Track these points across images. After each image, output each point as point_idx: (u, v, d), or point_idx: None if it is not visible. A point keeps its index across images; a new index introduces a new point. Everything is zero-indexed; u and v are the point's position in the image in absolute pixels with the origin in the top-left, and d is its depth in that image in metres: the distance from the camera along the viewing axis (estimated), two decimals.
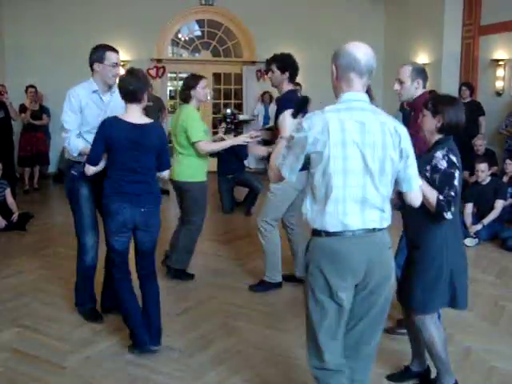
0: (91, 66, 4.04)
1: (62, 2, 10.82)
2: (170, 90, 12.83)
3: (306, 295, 2.55)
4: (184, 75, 12.69)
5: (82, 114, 3.97)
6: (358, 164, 2.37)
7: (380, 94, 10.75)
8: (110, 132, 3.52)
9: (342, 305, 2.45)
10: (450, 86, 10.06)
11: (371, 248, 2.45)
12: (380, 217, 2.46)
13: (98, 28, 10.85)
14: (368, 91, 2.73)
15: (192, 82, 5.03)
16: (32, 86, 9.77)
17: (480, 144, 8.22)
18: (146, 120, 3.57)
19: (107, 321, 4.25)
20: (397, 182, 2.55)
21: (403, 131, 2.47)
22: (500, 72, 9.56)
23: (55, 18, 10.82)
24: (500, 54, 9.54)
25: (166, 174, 3.78)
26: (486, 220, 6.57)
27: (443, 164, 2.96)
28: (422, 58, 10.86)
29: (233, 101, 12.32)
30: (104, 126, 3.55)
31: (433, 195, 2.93)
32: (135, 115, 3.54)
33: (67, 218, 7.77)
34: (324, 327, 2.50)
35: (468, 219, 6.66)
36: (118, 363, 3.63)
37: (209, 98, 12.32)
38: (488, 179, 6.76)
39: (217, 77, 12.45)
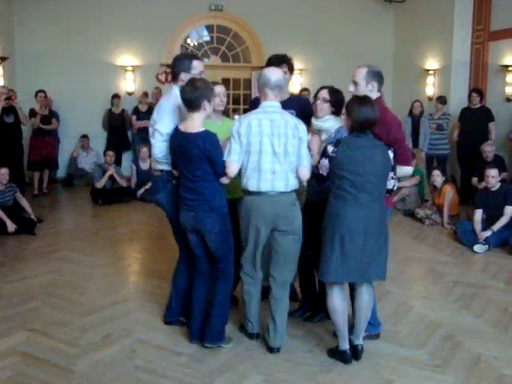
0: (176, 75, 4.04)
1: (71, 7, 10.92)
2: None
3: (241, 230, 3.81)
4: None
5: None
6: (269, 148, 3.61)
7: (389, 98, 10.75)
8: (170, 140, 3.82)
9: (257, 237, 3.73)
10: (459, 91, 10.05)
11: (278, 204, 3.66)
12: (285, 184, 3.66)
13: (108, 33, 10.95)
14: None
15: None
16: (42, 91, 9.81)
17: (489, 150, 8.18)
18: (197, 129, 3.63)
19: (117, 326, 4.27)
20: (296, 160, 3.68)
21: (301, 126, 3.67)
22: (510, 78, 9.50)
23: (65, 24, 10.90)
24: (510, 59, 9.49)
25: (222, 181, 3.72)
26: (496, 226, 6.54)
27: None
28: (432, 63, 10.84)
29: (242, 106, 12.32)
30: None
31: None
32: (188, 123, 3.67)
33: (76, 222, 7.91)
34: (250, 248, 3.81)
35: (477, 225, 6.64)
36: (126, 368, 3.64)
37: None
38: (498, 185, 6.73)
39: (226, 82, 12.41)
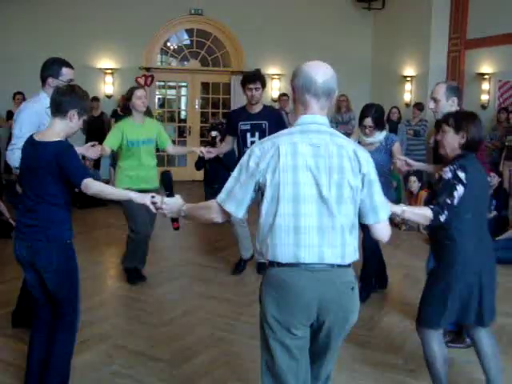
0: (44, 79, 3.99)
1: (49, 9, 10.84)
2: (159, 99, 12.88)
3: (262, 330, 2.33)
4: (173, 84, 12.74)
5: (39, 129, 3.77)
6: (312, 190, 2.20)
7: None
8: (22, 150, 3.21)
9: (291, 347, 2.27)
10: None
11: (327, 285, 2.23)
12: (341, 251, 2.23)
13: (87, 36, 10.88)
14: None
15: (128, 93, 5.17)
16: (19, 93, 9.74)
17: None
18: (52, 138, 3.01)
19: (92, 331, 4.24)
20: (362, 214, 2.34)
21: (364, 155, 2.29)
22: (485, 86, 9.69)
23: (42, 26, 10.82)
24: (485, 67, 9.68)
25: (84, 189, 3.07)
26: None
27: (448, 175, 3.02)
28: (409, 70, 10.98)
29: (221, 110, 12.34)
30: None
31: (424, 210, 2.99)
32: (46, 132, 3.10)
33: None
34: (278, 358, 2.29)
35: None
36: (103, 374, 3.62)
37: (196, 107, 12.44)
38: None
39: (205, 86, 12.49)
